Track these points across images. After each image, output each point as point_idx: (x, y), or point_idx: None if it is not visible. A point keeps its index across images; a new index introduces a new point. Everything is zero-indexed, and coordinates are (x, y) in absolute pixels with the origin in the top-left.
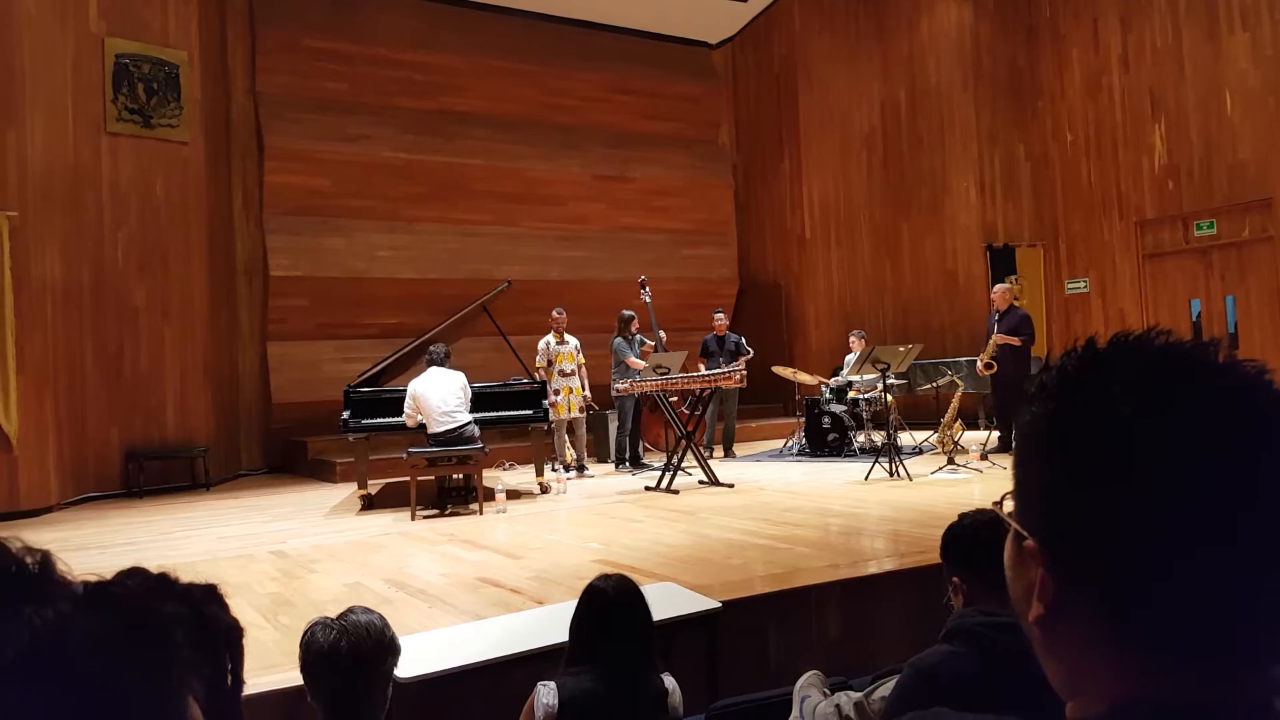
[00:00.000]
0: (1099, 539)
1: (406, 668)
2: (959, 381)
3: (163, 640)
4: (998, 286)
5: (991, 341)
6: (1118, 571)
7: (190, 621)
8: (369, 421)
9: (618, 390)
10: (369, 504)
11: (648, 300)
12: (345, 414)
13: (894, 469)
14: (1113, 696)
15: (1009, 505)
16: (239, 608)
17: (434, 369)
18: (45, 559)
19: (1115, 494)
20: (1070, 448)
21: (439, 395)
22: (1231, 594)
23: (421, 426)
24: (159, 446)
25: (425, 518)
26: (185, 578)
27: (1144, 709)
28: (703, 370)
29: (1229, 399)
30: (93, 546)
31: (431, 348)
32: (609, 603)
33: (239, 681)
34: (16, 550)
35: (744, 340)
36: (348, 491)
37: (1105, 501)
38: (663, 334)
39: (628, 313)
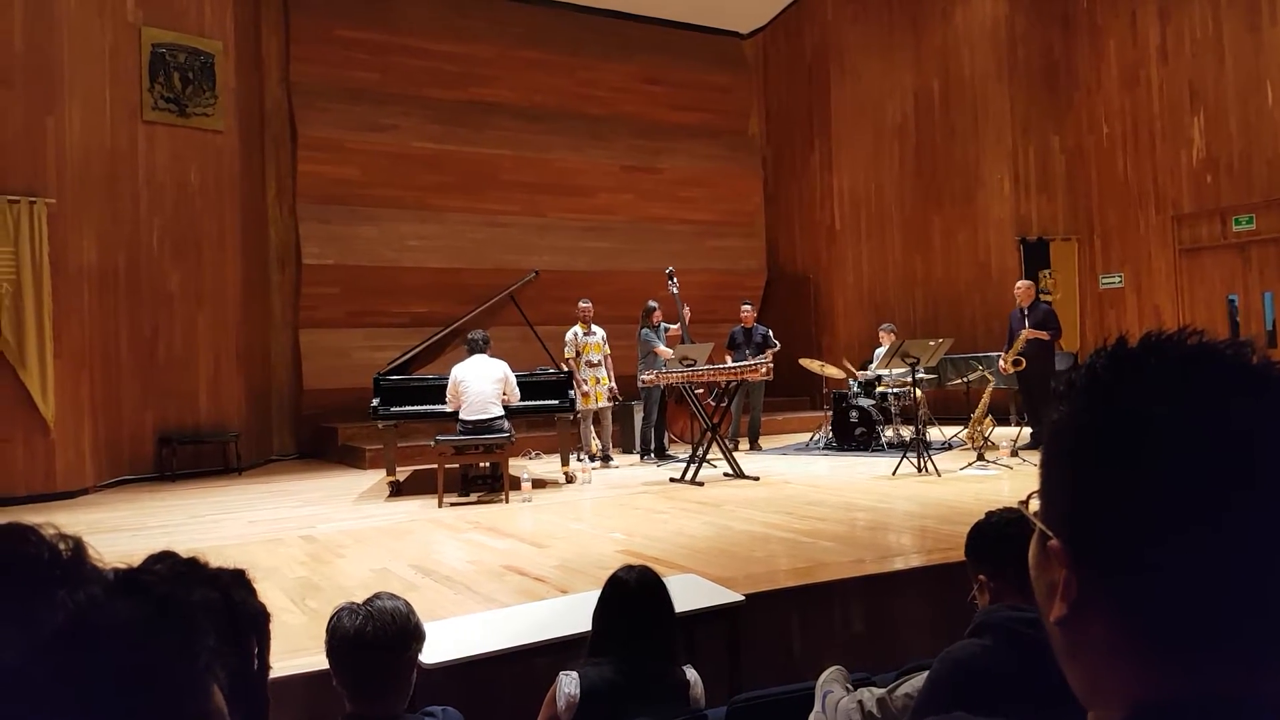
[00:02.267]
0: (1124, 541)
1: (432, 653)
2: (990, 376)
3: (191, 627)
4: (1020, 283)
5: (1020, 337)
6: (1142, 574)
7: (218, 606)
8: (397, 409)
9: (643, 381)
10: (397, 490)
11: (675, 292)
12: (374, 401)
13: (922, 464)
14: (1133, 699)
15: (1035, 504)
16: (268, 591)
17: (478, 356)
18: (78, 545)
19: (1142, 496)
20: (1097, 448)
21: (478, 383)
22: (1258, 599)
23: (457, 412)
24: (192, 431)
25: (452, 505)
26: (216, 561)
27: (1165, 710)
28: (729, 362)
29: (1263, 402)
30: (126, 529)
31: (471, 334)
32: (632, 594)
33: (265, 665)
34: (50, 537)
35: (771, 333)
36: (377, 478)
37: (1131, 503)
38: (687, 311)
39: (652, 303)
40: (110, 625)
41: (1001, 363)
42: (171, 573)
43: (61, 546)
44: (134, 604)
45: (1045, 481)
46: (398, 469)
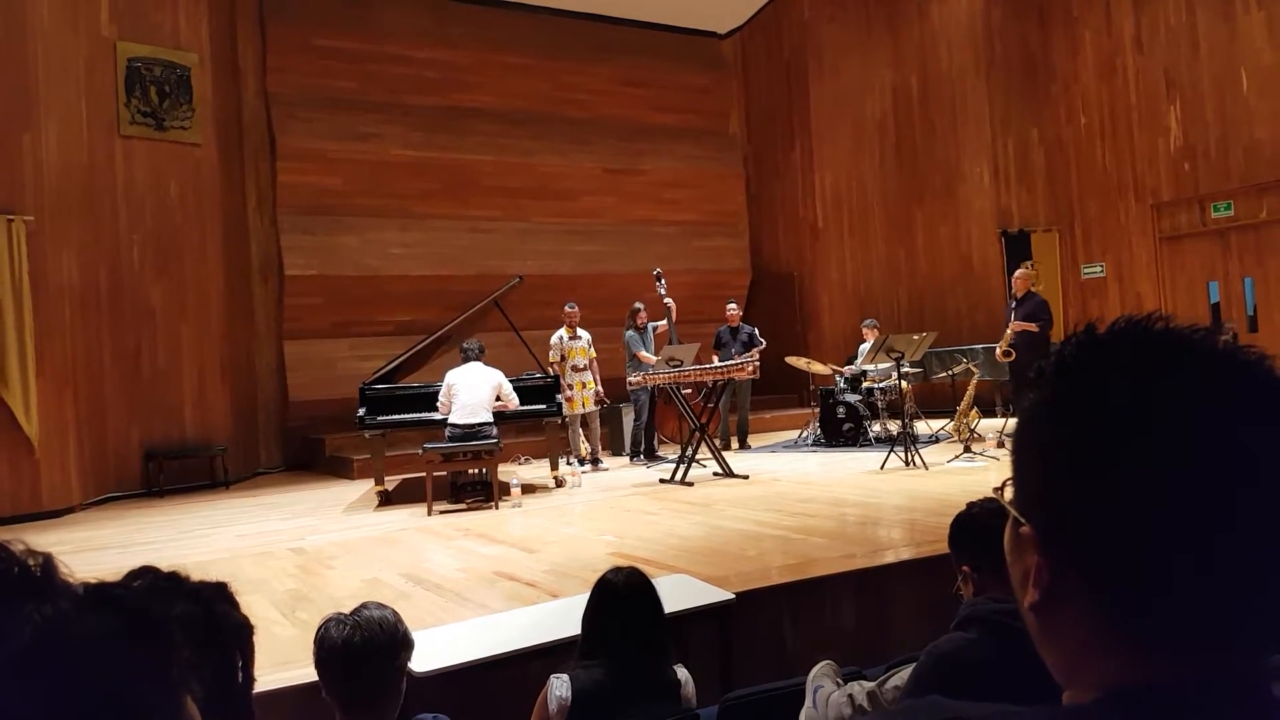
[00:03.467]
0: (1090, 524)
1: (422, 661)
2: (975, 369)
3: (162, 640)
4: (1017, 272)
5: (1009, 331)
6: (1109, 557)
7: (199, 620)
8: (384, 418)
9: (631, 383)
10: (386, 500)
11: (663, 293)
12: (361, 411)
13: (910, 458)
14: (1106, 683)
15: (1010, 492)
16: (258, 604)
17: (472, 363)
18: (47, 561)
19: (1106, 478)
20: (1064, 433)
21: (470, 390)
22: (1224, 579)
23: (444, 420)
24: (178, 446)
25: (442, 513)
26: (208, 575)
27: (1136, 695)
28: (716, 362)
29: (1224, 385)
30: (114, 546)
31: (465, 343)
32: (620, 596)
33: (250, 679)
34: (19, 552)
35: (757, 331)
36: (365, 488)
37: (1096, 486)
38: (672, 304)
39: (637, 305)
40: (78, 640)
41: (997, 351)
42: (150, 587)
43: (30, 562)
44: (103, 618)
45: (1017, 468)
46: (386, 478)
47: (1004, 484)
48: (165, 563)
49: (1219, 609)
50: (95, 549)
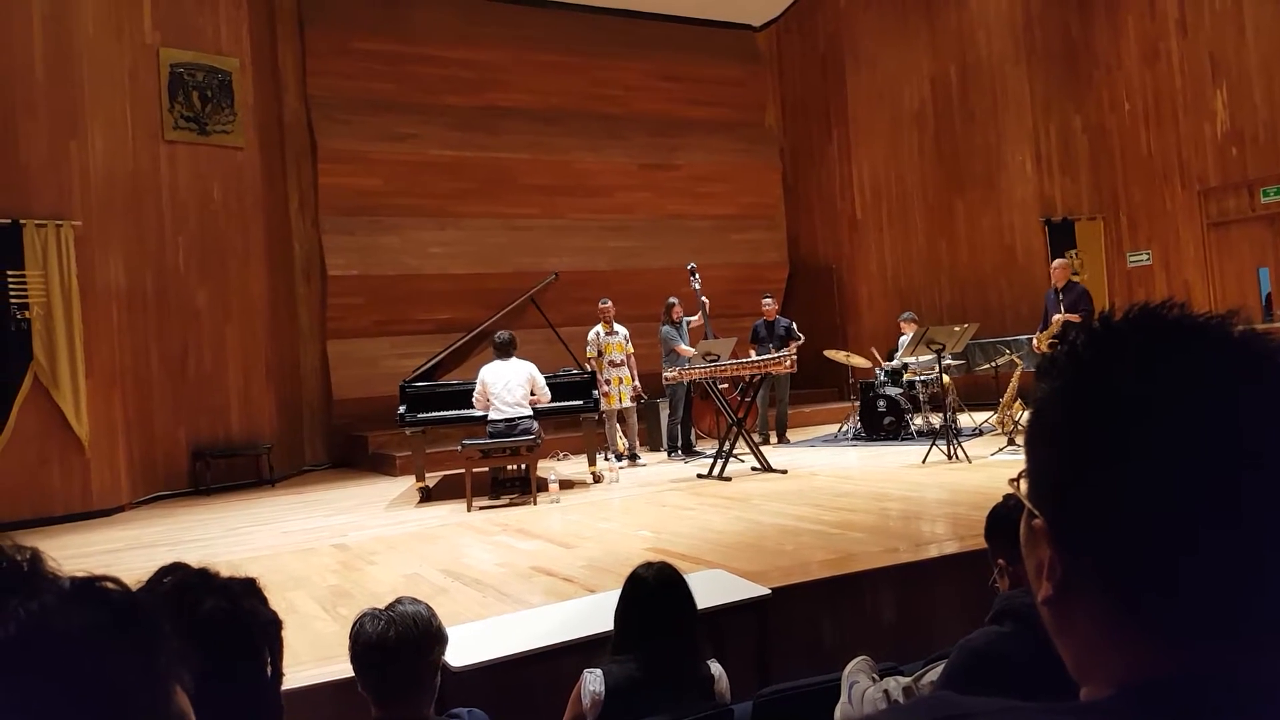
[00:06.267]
0: (1100, 516)
1: (459, 656)
2: (1018, 360)
3: (147, 632)
4: (1057, 261)
5: (1055, 322)
6: (1119, 550)
7: (228, 615)
8: (424, 415)
9: (668, 378)
10: (427, 496)
11: (697, 288)
12: (401, 408)
13: (952, 451)
14: (1119, 679)
15: (1025, 484)
16: (300, 600)
17: (502, 358)
18: (34, 556)
19: (1115, 469)
20: (1077, 426)
21: (503, 384)
22: (1233, 572)
23: (484, 415)
24: (225, 445)
25: (481, 508)
26: (247, 572)
27: (1153, 690)
28: (753, 356)
29: (1237, 373)
30: (163, 544)
31: (497, 335)
32: (651, 591)
33: (278, 674)
34: (7, 549)
35: (794, 325)
36: (407, 484)
37: (1104, 478)
38: (705, 300)
39: (671, 299)
40: (61, 633)
41: (1035, 342)
42: (179, 583)
43: (17, 558)
44: (87, 612)
45: (1030, 460)
46: (427, 474)
47: (1019, 476)
48: (214, 560)
49: (1229, 603)
50: (144, 547)
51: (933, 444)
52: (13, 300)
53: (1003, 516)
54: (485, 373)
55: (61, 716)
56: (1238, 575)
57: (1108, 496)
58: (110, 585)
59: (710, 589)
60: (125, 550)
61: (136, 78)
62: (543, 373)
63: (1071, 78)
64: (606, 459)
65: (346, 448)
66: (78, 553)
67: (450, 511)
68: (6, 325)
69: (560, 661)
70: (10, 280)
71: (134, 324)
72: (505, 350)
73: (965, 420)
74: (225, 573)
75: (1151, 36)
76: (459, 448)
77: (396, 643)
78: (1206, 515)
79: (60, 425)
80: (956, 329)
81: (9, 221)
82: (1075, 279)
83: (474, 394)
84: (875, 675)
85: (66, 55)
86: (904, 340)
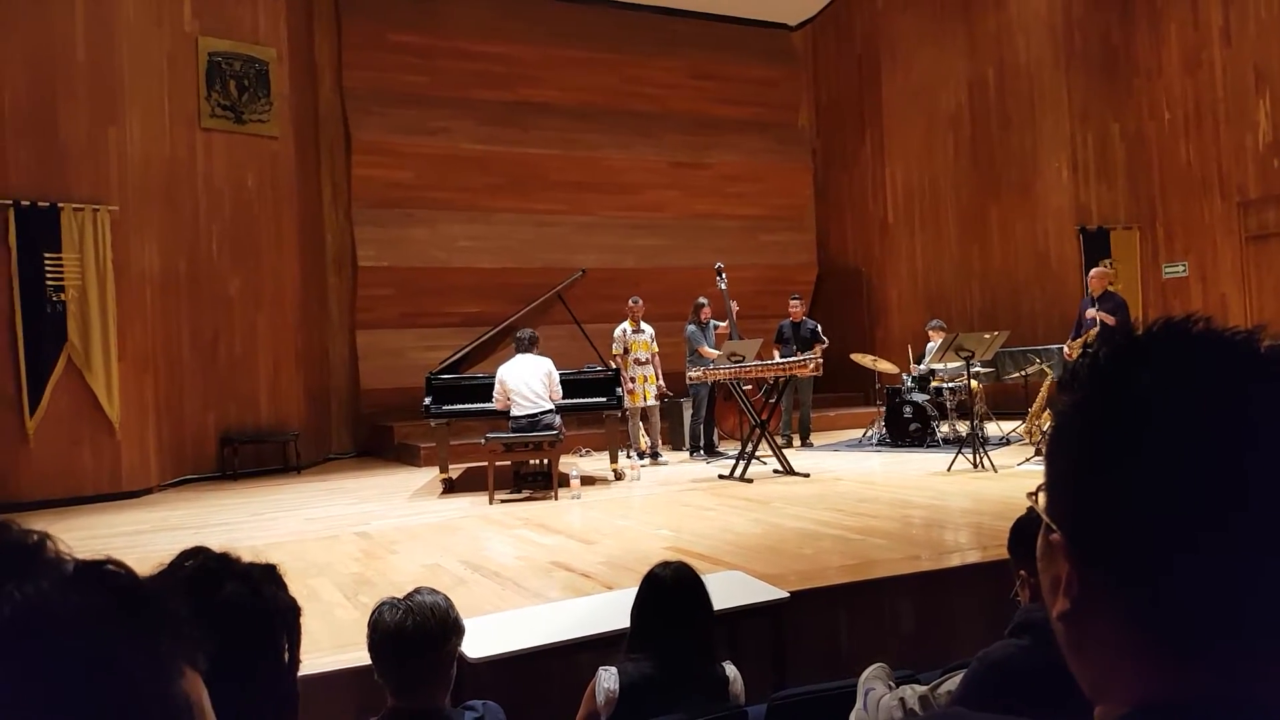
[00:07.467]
0: (1124, 536)
1: (476, 647)
2: (1048, 370)
3: (151, 615)
4: (1094, 270)
5: (1089, 332)
6: (1136, 566)
7: (248, 600)
8: (449, 407)
9: (692, 378)
10: (450, 487)
11: (724, 288)
12: (427, 400)
13: (978, 460)
14: (1134, 699)
15: (1043, 498)
16: (322, 587)
17: (522, 355)
18: (40, 539)
19: (1134, 484)
20: (1097, 440)
21: (523, 380)
22: (1254, 590)
23: (506, 411)
24: (253, 431)
25: (503, 501)
26: (268, 557)
27: (1167, 712)
28: (777, 357)
29: (1261, 390)
30: (189, 527)
31: (519, 332)
32: (668, 590)
33: (295, 660)
34: (15, 531)
35: (820, 328)
36: (431, 475)
37: (1132, 497)
38: (734, 304)
39: (701, 300)
40: (58, 617)
41: (1066, 351)
42: (200, 567)
43: (19, 541)
44: (86, 595)
45: (1049, 473)
46: (451, 466)
47: (1038, 489)
48: (238, 545)
49: (1248, 621)
50: (171, 529)
51: (959, 452)
52: (49, 283)
53: (1026, 528)
54: (503, 371)
55: (58, 701)
56: (1256, 594)
57: (1132, 514)
58: (113, 568)
59: (728, 590)
60: (151, 532)
61: (175, 65)
62: (567, 369)
63: (1110, 84)
64: (628, 456)
65: (372, 437)
66: (105, 533)
67: (472, 504)
68: (42, 307)
69: (576, 657)
70: (47, 262)
71: (167, 309)
72: (526, 348)
73: (993, 429)
74: (247, 558)
75: (1194, 45)
76: (482, 440)
77: (414, 633)
78: (1225, 533)
79: (92, 407)
80: (986, 336)
81: (47, 205)
82: (1111, 289)
83: (494, 393)
84: (891, 683)
85: (107, 42)
86: (931, 348)
